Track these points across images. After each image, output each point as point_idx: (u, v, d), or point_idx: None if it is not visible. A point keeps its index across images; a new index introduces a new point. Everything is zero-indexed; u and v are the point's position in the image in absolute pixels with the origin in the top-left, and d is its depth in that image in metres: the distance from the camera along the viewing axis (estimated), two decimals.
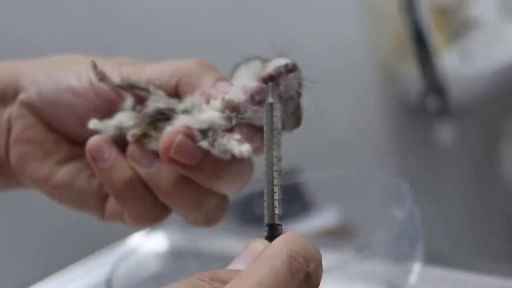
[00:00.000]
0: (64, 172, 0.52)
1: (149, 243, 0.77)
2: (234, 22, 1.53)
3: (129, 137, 0.48)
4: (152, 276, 0.74)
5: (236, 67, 0.48)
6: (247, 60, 0.48)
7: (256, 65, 0.47)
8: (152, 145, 0.48)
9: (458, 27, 1.72)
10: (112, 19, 1.39)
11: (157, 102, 0.48)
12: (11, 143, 0.52)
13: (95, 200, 0.51)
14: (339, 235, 1.18)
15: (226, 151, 0.46)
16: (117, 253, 0.88)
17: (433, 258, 0.77)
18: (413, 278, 0.60)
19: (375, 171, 0.68)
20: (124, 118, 0.49)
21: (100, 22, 1.38)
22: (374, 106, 1.76)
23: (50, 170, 0.51)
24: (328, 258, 0.66)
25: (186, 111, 0.47)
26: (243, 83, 0.47)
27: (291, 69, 0.46)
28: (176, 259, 0.78)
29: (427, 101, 1.70)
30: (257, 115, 0.46)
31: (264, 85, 0.46)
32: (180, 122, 0.47)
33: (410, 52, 1.69)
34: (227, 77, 0.48)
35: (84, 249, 0.99)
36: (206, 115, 0.46)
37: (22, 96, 0.52)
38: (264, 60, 0.47)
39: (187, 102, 0.48)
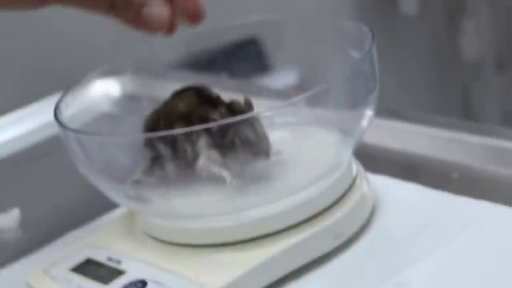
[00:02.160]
0: None
1: (101, 87, 0.76)
2: None
3: None
4: (105, 116, 0.73)
5: None
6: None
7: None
8: None
9: None
10: None
11: None
12: None
13: None
14: (298, 91, 1.17)
15: None
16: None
17: (387, 113, 0.78)
18: (365, 122, 0.60)
19: (336, 17, 0.67)
20: None
21: None
22: None
23: None
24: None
25: None
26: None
27: None
28: (130, 102, 0.77)
29: None
30: None
31: None
32: None
33: None
34: None
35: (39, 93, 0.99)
36: None
37: None
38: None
39: None
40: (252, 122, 0.57)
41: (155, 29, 0.56)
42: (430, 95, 1.87)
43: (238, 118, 0.56)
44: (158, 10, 0.56)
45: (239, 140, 0.57)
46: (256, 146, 0.57)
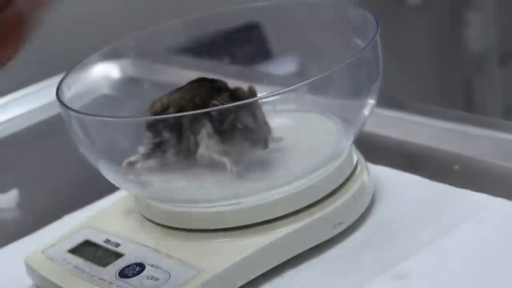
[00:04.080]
0: None
1: (102, 69, 0.75)
2: None
3: None
4: (105, 97, 0.73)
5: None
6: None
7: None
8: None
9: None
10: None
11: None
12: None
13: None
14: (300, 78, 1.16)
15: None
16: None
17: (389, 103, 0.77)
18: (366, 111, 0.60)
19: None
20: None
21: None
22: None
23: None
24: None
25: None
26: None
27: None
28: (130, 85, 0.76)
29: None
30: None
31: None
32: None
33: None
34: None
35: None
36: None
37: None
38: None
39: None
40: (253, 110, 0.57)
41: None
42: (432, 87, 1.87)
43: (237, 103, 0.55)
44: None
45: (238, 127, 0.56)
46: (255, 134, 0.57)
